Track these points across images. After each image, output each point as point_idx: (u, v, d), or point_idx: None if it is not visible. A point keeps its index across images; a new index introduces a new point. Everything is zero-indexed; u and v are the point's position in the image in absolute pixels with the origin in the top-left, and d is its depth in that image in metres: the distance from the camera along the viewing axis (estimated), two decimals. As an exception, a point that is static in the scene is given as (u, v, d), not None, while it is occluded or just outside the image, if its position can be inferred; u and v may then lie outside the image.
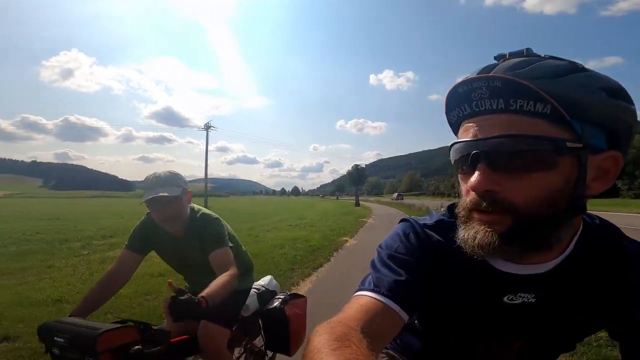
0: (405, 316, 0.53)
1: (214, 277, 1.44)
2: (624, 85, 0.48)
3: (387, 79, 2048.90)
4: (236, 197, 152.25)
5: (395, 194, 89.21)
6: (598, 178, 0.49)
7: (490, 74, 0.46)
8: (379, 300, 0.53)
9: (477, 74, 0.48)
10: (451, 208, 0.62)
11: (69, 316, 1.22)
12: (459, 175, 0.53)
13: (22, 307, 3.54)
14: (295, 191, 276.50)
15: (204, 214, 1.53)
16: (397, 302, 0.53)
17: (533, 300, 0.56)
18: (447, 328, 0.64)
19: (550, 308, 0.57)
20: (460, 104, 0.49)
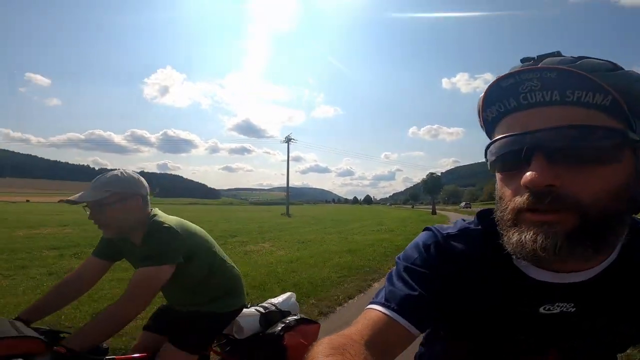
0: (415, 331, 0.52)
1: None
2: None
3: (462, 82, 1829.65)
4: (309, 205, 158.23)
5: (463, 203, 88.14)
6: None
7: (543, 65, 0.43)
8: (387, 315, 0.52)
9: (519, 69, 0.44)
10: (482, 215, 0.59)
11: (15, 318, 1.17)
12: (500, 175, 0.49)
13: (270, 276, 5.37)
14: (368, 200, 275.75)
15: (154, 222, 1.31)
16: (406, 318, 0.52)
17: (573, 310, 0.53)
18: (474, 338, 0.60)
19: (590, 317, 0.53)
20: (503, 98, 0.45)
